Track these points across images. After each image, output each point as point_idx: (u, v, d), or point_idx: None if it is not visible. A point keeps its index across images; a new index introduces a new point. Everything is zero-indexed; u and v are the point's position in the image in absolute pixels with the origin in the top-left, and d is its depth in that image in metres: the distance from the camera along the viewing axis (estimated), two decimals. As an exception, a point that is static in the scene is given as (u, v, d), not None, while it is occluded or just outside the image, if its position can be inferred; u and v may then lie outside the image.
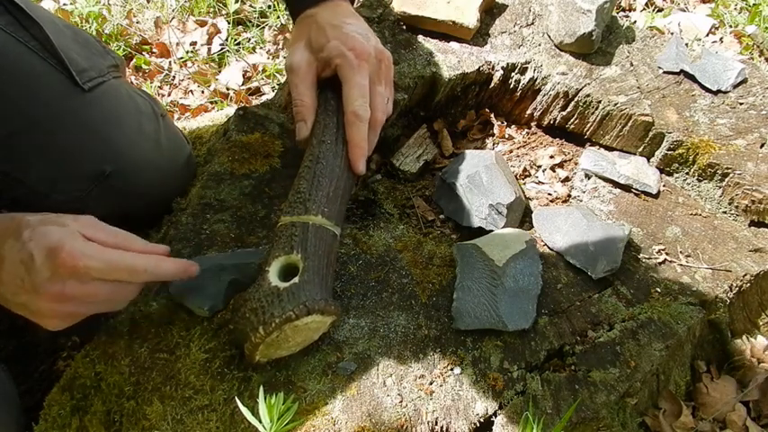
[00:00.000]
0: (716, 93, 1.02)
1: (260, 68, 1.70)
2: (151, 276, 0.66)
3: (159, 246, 0.71)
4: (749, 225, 0.93)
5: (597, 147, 1.04)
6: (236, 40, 1.79)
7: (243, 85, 1.67)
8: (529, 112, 1.09)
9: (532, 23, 1.11)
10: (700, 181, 0.96)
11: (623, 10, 1.91)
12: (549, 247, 0.88)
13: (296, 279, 0.66)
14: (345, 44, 0.80)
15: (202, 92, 1.66)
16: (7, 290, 0.62)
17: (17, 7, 0.84)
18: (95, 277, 0.62)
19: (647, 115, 0.97)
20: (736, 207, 0.93)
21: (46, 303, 0.62)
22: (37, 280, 0.61)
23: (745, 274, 0.86)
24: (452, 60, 1.04)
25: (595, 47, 1.06)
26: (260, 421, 0.58)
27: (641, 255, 0.87)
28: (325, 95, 0.87)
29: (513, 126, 1.12)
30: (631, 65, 1.06)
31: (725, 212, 0.94)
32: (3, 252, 0.62)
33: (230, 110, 1.48)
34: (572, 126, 1.05)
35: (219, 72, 1.71)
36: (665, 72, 1.05)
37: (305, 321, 0.64)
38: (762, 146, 0.95)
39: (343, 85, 0.80)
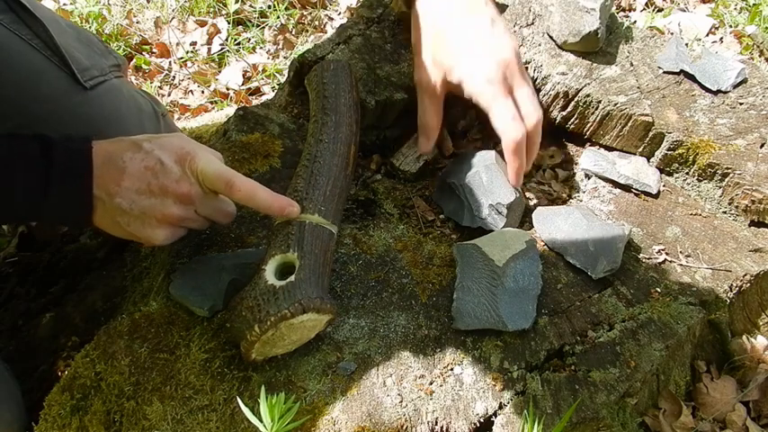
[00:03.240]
0: (716, 93, 1.02)
1: (260, 68, 1.71)
2: (247, 200, 0.69)
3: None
4: (749, 225, 0.93)
5: (597, 147, 1.04)
6: (236, 40, 1.79)
7: (243, 85, 1.67)
8: (529, 112, 1.09)
9: (532, 23, 1.11)
10: (700, 181, 0.96)
11: (623, 10, 1.91)
12: (549, 248, 0.88)
13: (292, 277, 0.66)
14: (475, 72, 0.82)
15: (202, 92, 1.66)
16: (125, 199, 0.65)
17: (20, 5, 0.84)
18: (207, 187, 0.68)
19: (647, 115, 0.97)
20: (736, 207, 0.93)
21: (172, 205, 0.66)
22: (166, 181, 0.65)
23: (745, 274, 0.86)
24: (452, 60, 1.03)
25: (600, 44, 1.05)
26: (261, 421, 0.58)
27: (641, 255, 0.87)
28: (322, 94, 0.87)
29: (513, 126, 1.12)
30: (631, 65, 1.06)
31: (725, 212, 0.94)
32: (122, 164, 0.64)
33: (230, 110, 1.49)
34: (572, 126, 1.05)
35: (219, 72, 1.71)
36: (665, 72, 1.05)
37: (301, 319, 0.64)
38: (762, 146, 0.95)
39: (489, 113, 0.83)
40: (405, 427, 0.66)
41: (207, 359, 0.70)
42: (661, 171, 0.99)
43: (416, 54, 0.91)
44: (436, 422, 0.67)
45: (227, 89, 1.65)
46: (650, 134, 0.98)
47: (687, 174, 0.97)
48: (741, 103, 1.01)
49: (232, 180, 0.68)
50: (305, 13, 1.92)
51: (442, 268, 0.83)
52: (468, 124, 1.11)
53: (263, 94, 1.66)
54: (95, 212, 0.66)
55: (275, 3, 1.89)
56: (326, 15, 1.92)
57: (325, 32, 1.84)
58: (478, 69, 0.82)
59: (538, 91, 1.05)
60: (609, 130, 1.01)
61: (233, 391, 0.68)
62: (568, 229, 0.87)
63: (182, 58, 1.73)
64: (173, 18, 1.85)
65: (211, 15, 1.88)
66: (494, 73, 0.82)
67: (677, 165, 0.98)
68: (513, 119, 0.81)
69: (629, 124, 0.98)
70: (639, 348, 0.75)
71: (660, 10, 1.89)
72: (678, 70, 1.04)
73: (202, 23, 1.83)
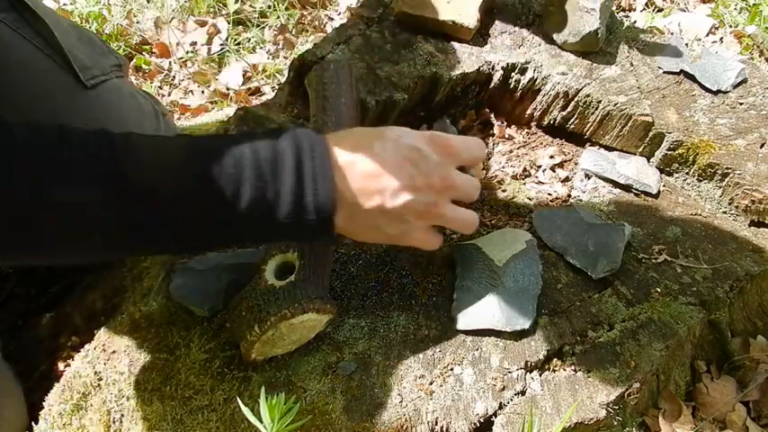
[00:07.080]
0: (716, 93, 1.02)
1: (260, 68, 1.70)
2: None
3: None
4: (749, 225, 0.93)
5: (597, 147, 1.04)
6: (236, 40, 1.79)
7: (243, 85, 1.67)
8: (529, 112, 1.09)
9: (532, 23, 1.11)
10: (700, 181, 0.96)
11: (623, 10, 1.91)
12: (548, 247, 0.88)
13: (292, 277, 0.66)
14: None
15: (202, 92, 1.66)
16: (387, 194, 0.59)
17: (23, 3, 0.84)
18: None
19: (647, 115, 0.97)
20: (736, 207, 0.93)
21: (436, 194, 0.62)
22: (428, 167, 0.60)
23: (746, 274, 0.86)
24: (452, 60, 1.04)
25: (600, 44, 1.05)
26: (261, 422, 0.58)
27: (641, 255, 0.87)
28: (322, 94, 0.87)
29: (513, 126, 1.12)
30: (631, 65, 1.06)
31: (725, 212, 0.94)
32: (378, 151, 0.59)
33: (230, 110, 1.48)
34: (572, 126, 1.05)
35: (219, 72, 1.71)
36: (665, 72, 1.05)
37: (300, 320, 0.64)
38: (762, 146, 0.95)
39: None
40: (405, 427, 0.66)
41: (207, 359, 0.70)
42: (661, 171, 0.99)
43: None
44: (436, 422, 0.67)
45: (227, 89, 1.64)
46: (650, 134, 0.98)
47: (687, 174, 0.97)
48: (741, 103, 1.01)
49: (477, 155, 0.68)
50: (305, 13, 1.91)
51: (442, 268, 0.83)
52: (468, 124, 1.11)
53: (263, 94, 1.66)
54: (339, 215, 0.58)
55: (275, 3, 1.89)
56: (326, 15, 1.92)
57: (326, 32, 1.84)
58: None
59: (537, 91, 1.05)
60: (609, 130, 1.01)
61: (233, 391, 0.68)
62: (568, 229, 0.87)
63: (182, 58, 1.73)
64: (173, 18, 1.85)
65: (211, 15, 1.88)
66: None
67: (677, 165, 0.98)
68: None
69: (629, 124, 0.98)
70: (639, 348, 0.75)
71: (660, 10, 1.88)
72: (678, 70, 1.04)
73: (202, 23, 1.83)
